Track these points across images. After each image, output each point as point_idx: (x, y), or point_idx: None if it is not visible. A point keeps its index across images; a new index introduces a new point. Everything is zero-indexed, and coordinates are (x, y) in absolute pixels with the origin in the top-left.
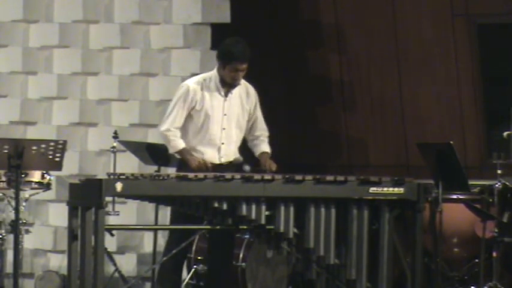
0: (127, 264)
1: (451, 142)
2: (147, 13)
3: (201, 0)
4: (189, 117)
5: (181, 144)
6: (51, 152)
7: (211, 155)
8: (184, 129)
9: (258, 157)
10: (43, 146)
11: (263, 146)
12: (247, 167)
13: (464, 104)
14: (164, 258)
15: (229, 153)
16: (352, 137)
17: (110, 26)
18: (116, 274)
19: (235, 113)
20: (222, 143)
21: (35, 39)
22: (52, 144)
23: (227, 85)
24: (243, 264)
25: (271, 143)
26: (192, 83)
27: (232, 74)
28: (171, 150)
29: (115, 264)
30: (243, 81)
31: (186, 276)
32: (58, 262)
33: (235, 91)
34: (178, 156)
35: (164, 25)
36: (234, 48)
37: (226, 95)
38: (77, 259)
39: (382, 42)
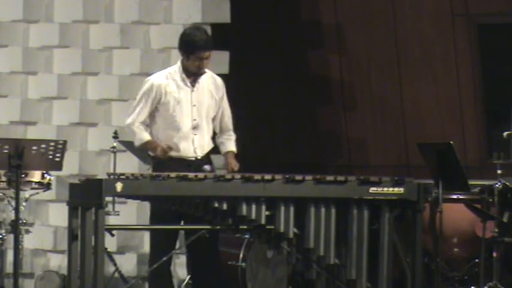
0: (127, 264)
1: (451, 142)
2: (147, 13)
3: (201, 0)
4: (157, 111)
5: (146, 136)
6: (51, 152)
7: (186, 149)
8: (154, 125)
9: (223, 155)
10: (43, 146)
11: (229, 145)
12: (207, 167)
13: (464, 104)
14: (164, 258)
15: (203, 144)
16: (352, 137)
17: (110, 26)
18: (116, 274)
19: (205, 103)
20: (195, 134)
21: (35, 39)
22: (52, 144)
23: (192, 75)
24: (243, 264)
25: (272, 143)
26: (156, 77)
27: (196, 63)
28: (136, 143)
29: (115, 264)
30: (210, 72)
31: (186, 276)
32: (58, 262)
33: (203, 82)
34: (139, 150)
35: (164, 25)
36: (196, 37)
37: (193, 85)
38: (77, 259)
39: (382, 42)
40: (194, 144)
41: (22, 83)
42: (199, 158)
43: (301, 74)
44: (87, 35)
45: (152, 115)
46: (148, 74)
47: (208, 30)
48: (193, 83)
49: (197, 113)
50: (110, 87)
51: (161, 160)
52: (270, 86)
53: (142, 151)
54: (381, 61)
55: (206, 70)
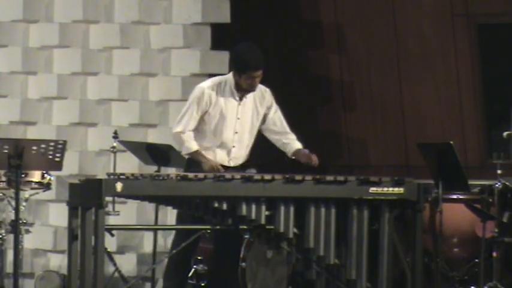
0: (127, 264)
1: (451, 142)
2: (147, 13)
3: (201, 0)
4: (202, 119)
5: (194, 146)
6: (51, 152)
7: (221, 157)
8: (197, 131)
9: (293, 154)
10: (43, 146)
11: (295, 144)
12: (253, 170)
13: (464, 104)
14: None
15: (239, 156)
16: (352, 137)
17: (110, 26)
18: (116, 274)
19: (249, 117)
20: (233, 146)
21: (35, 39)
22: (52, 144)
23: (242, 90)
24: (243, 264)
25: (271, 143)
26: (207, 85)
27: (248, 82)
28: (184, 152)
29: (115, 264)
30: (258, 85)
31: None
32: (58, 262)
33: (250, 95)
34: (187, 157)
35: (164, 25)
36: (248, 57)
37: (240, 99)
38: (77, 259)
39: (382, 42)
40: (230, 156)
41: (22, 83)
42: (231, 167)
43: (301, 74)
44: (87, 35)
45: (198, 122)
46: (148, 74)
47: (208, 30)
48: (242, 97)
49: (240, 126)
50: (109, 87)
51: (195, 162)
52: (270, 86)
53: (192, 159)
54: (381, 61)
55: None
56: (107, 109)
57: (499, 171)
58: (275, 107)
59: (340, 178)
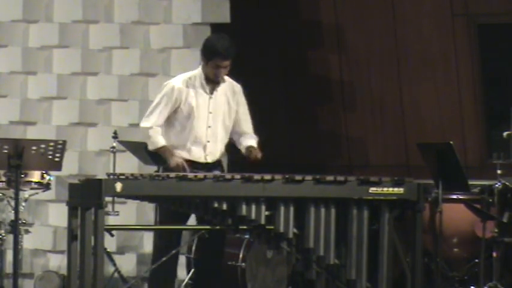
0: (127, 264)
1: (451, 142)
2: (147, 13)
3: (201, 0)
4: (174, 115)
5: (161, 141)
6: (51, 152)
7: (197, 154)
8: (169, 127)
9: (244, 152)
10: (43, 146)
11: (249, 141)
12: (217, 172)
13: (464, 104)
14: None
15: (215, 151)
16: (352, 137)
17: (110, 26)
18: (116, 274)
19: (221, 111)
20: (208, 141)
21: (35, 39)
22: (52, 144)
23: (211, 82)
24: (243, 264)
25: (271, 143)
26: (176, 81)
27: (214, 71)
28: (150, 147)
29: (115, 264)
30: (228, 79)
31: (186, 276)
32: (58, 262)
33: (221, 89)
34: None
35: (164, 25)
36: (217, 44)
37: (211, 93)
38: (77, 259)
39: (382, 42)
40: (206, 151)
41: (22, 83)
42: (209, 162)
43: (301, 74)
44: (86, 35)
45: (169, 118)
46: (148, 74)
47: (208, 30)
48: (212, 90)
49: (213, 120)
50: (109, 87)
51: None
52: (270, 86)
53: (154, 154)
54: (380, 61)
55: (225, 78)
56: (107, 109)
57: (499, 171)
58: (244, 106)
59: (340, 178)
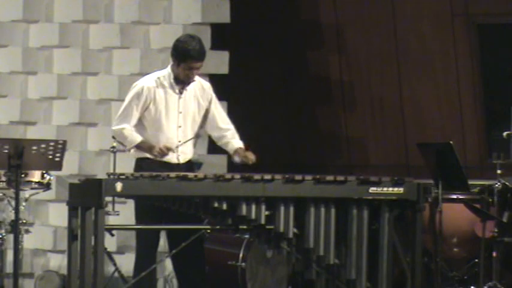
0: (127, 264)
1: (451, 142)
2: (147, 13)
3: (201, 0)
4: (144, 116)
5: (138, 137)
6: (51, 152)
7: (169, 155)
8: (141, 129)
9: (233, 154)
10: (43, 146)
11: (235, 142)
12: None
13: (464, 104)
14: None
15: (187, 151)
16: (352, 137)
17: (110, 26)
18: (116, 274)
19: (191, 111)
20: (179, 141)
21: (35, 39)
22: (52, 144)
23: (181, 82)
24: (243, 264)
25: (271, 143)
26: (145, 82)
27: (186, 72)
28: (128, 146)
29: (115, 264)
30: (197, 78)
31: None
32: (58, 262)
33: (190, 89)
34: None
35: (164, 25)
36: (190, 46)
37: (181, 93)
38: (77, 259)
39: (382, 42)
40: (178, 152)
41: (22, 83)
42: (181, 163)
43: (301, 74)
44: (87, 35)
45: (139, 120)
46: (148, 74)
47: (208, 30)
48: (182, 90)
49: (183, 120)
50: (109, 87)
51: (144, 162)
52: (269, 86)
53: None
54: (380, 61)
55: (195, 78)
56: (107, 109)
57: (498, 171)
58: (215, 101)
59: (340, 178)
